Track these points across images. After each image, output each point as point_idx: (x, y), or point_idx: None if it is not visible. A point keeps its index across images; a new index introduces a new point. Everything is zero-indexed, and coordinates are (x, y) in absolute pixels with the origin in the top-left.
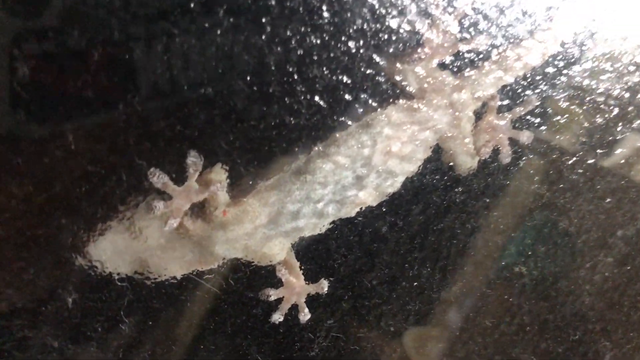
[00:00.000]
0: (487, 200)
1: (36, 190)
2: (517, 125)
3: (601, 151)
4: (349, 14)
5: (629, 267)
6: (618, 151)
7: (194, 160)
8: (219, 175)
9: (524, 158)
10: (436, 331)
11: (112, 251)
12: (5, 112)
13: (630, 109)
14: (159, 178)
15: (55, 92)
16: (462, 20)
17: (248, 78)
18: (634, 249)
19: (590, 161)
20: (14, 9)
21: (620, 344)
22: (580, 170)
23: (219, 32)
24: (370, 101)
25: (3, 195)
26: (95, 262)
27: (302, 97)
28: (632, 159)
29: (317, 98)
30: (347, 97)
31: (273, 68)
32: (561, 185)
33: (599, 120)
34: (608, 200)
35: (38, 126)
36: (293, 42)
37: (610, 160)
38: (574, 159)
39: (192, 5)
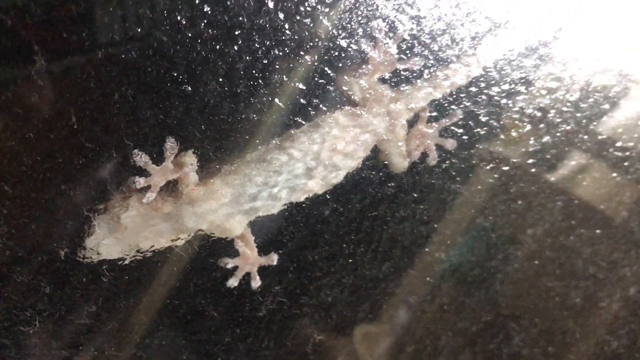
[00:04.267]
0: (415, 195)
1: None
2: (443, 134)
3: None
4: (306, 33)
5: (536, 262)
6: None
7: (171, 145)
8: (191, 158)
9: (447, 162)
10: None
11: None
12: None
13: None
14: (141, 158)
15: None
16: (401, 44)
17: (220, 80)
18: (540, 246)
19: (504, 168)
20: None
21: (527, 327)
22: (496, 175)
23: (198, 44)
24: (321, 106)
25: None
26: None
27: (265, 99)
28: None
29: (277, 100)
30: (302, 101)
31: (242, 73)
32: (479, 187)
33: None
34: (519, 202)
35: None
36: (259, 53)
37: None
38: (492, 164)
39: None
